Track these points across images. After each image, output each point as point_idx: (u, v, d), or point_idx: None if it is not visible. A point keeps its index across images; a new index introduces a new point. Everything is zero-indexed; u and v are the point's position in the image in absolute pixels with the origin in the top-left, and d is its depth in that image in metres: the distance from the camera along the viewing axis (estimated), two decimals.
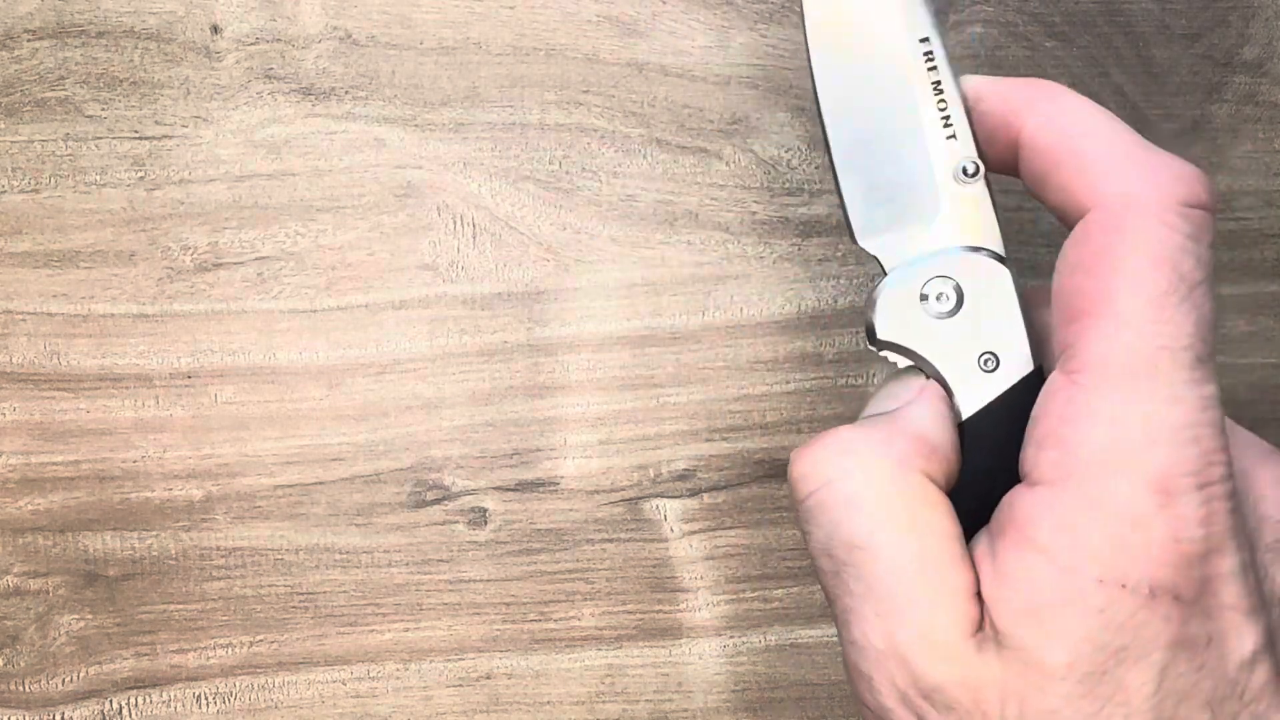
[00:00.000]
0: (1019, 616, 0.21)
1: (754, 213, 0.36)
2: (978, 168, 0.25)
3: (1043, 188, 0.24)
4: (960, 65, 0.36)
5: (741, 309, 0.36)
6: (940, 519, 0.23)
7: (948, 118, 0.25)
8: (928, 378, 0.26)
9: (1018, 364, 0.25)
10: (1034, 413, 0.23)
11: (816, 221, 0.36)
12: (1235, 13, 0.37)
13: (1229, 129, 0.37)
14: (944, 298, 0.25)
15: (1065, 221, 0.23)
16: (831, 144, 0.26)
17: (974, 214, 0.25)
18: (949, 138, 0.25)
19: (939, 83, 0.25)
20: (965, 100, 0.25)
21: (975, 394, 0.25)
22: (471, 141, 0.35)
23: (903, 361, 0.26)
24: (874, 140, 0.26)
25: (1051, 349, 0.24)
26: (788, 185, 0.36)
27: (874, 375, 0.36)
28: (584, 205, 0.35)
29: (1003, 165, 0.25)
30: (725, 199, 0.36)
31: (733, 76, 0.36)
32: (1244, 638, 0.21)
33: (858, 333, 0.36)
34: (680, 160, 0.36)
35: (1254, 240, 0.37)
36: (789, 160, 0.36)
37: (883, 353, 0.26)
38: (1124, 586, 0.21)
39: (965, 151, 0.25)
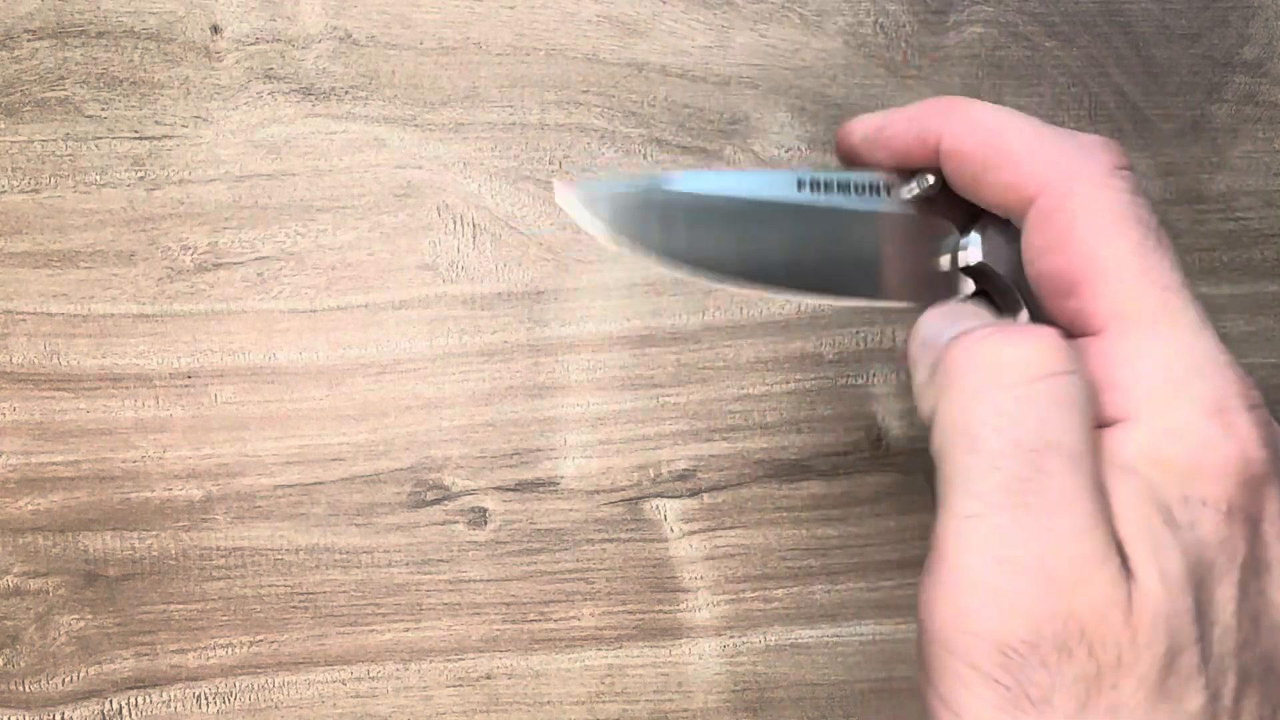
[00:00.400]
0: (1132, 529, 0.22)
1: None
2: (934, 184, 0.26)
3: (977, 187, 0.25)
4: (960, 65, 0.36)
5: (741, 309, 0.36)
6: None
7: (862, 185, 0.27)
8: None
9: None
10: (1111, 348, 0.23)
11: None
12: (1235, 13, 0.37)
13: (1229, 129, 0.37)
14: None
15: (1008, 212, 0.25)
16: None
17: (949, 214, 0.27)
18: (874, 196, 0.27)
19: (826, 181, 0.27)
20: (854, 132, 0.27)
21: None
22: (471, 141, 0.35)
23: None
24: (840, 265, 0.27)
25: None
26: None
27: (873, 375, 0.36)
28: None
29: (925, 163, 0.26)
30: None
31: (733, 76, 0.36)
32: (1278, 570, 0.22)
33: (858, 332, 0.36)
34: (680, 160, 0.36)
35: (1254, 240, 0.37)
36: (789, 160, 0.36)
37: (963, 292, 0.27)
38: (1205, 504, 0.21)
39: (890, 201, 0.27)
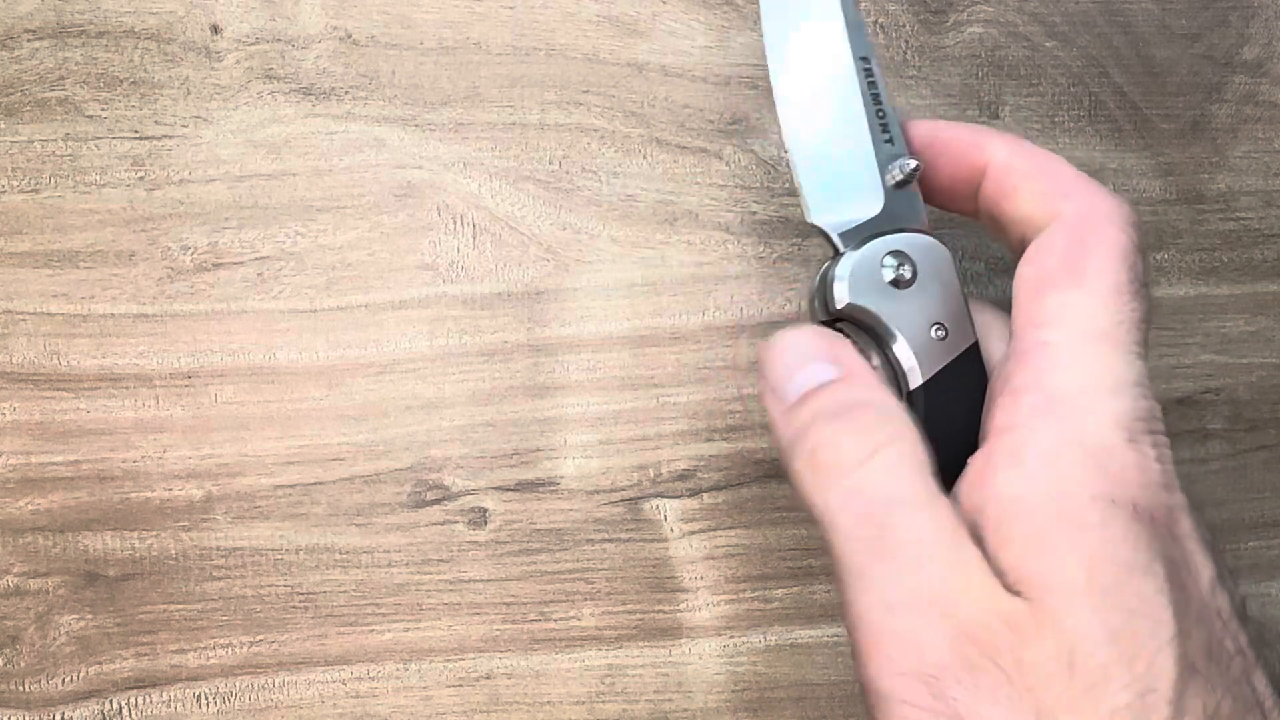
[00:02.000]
0: (1025, 550, 0.23)
1: (754, 213, 0.36)
2: (916, 168, 0.28)
3: (1011, 198, 0.28)
4: (960, 65, 0.36)
5: (741, 309, 0.36)
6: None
7: (885, 125, 0.29)
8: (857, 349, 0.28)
9: (963, 335, 0.28)
10: (1003, 372, 0.26)
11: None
12: (1235, 13, 0.37)
13: (1229, 129, 0.37)
14: (902, 270, 0.28)
15: (1026, 225, 0.27)
16: (787, 138, 0.29)
17: (909, 206, 0.29)
18: (886, 141, 0.29)
19: (877, 95, 0.29)
20: (918, 129, 0.29)
21: (930, 360, 0.28)
22: (471, 141, 0.35)
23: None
24: (824, 138, 0.29)
25: (1007, 325, 0.27)
26: (788, 185, 0.36)
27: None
28: (584, 205, 0.35)
29: (952, 182, 0.29)
30: (725, 199, 0.36)
31: (733, 76, 0.36)
32: (1204, 565, 0.24)
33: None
34: (680, 160, 0.36)
35: (1254, 240, 0.37)
36: (789, 160, 0.36)
37: (836, 324, 0.28)
38: (1114, 502, 0.23)
39: (899, 153, 0.29)
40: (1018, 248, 0.28)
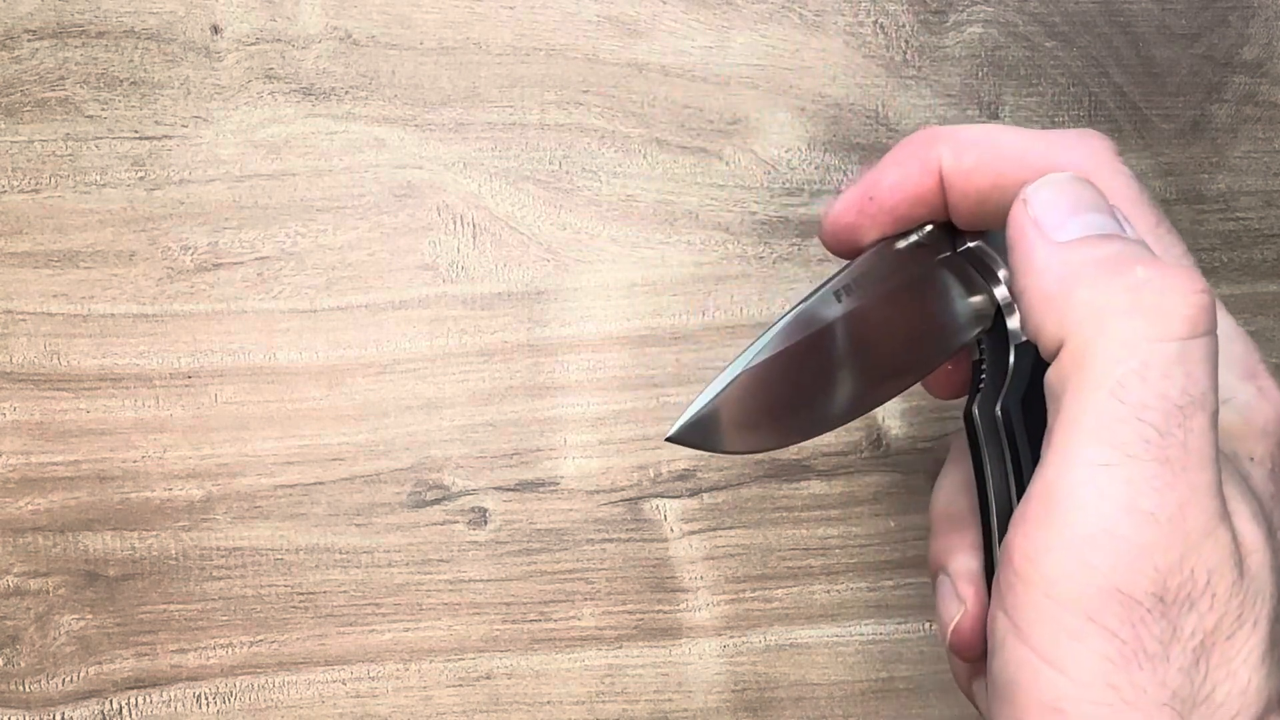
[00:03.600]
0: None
1: (754, 213, 0.36)
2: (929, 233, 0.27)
3: (986, 199, 0.25)
4: (960, 65, 0.36)
5: (741, 309, 0.36)
6: None
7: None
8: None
9: None
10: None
11: (816, 221, 0.36)
12: (1235, 13, 0.37)
13: (1229, 129, 0.37)
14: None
15: (996, 206, 0.25)
16: None
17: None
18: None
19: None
20: (844, 206, 0.27)
21: None
22: (471, 141, 0.35)
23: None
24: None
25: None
26: (788, 185, 0.36)
27: None
28: (584, 205, 0.35)
29: (927, 210, 0.27)
30: (725, 199, 0.36)
31: (733, 76, 0.36)
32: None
33: None
34: (680, 160, 0.36)
35: (1254, 240, 0.37)
36: (789, 160, 0.36)
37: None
38: (1253, 460, 0.23)
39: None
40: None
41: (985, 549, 0.26)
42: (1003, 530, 0.25)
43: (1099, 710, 0.20)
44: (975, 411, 0.26)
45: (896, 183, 0.26)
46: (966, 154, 0.25)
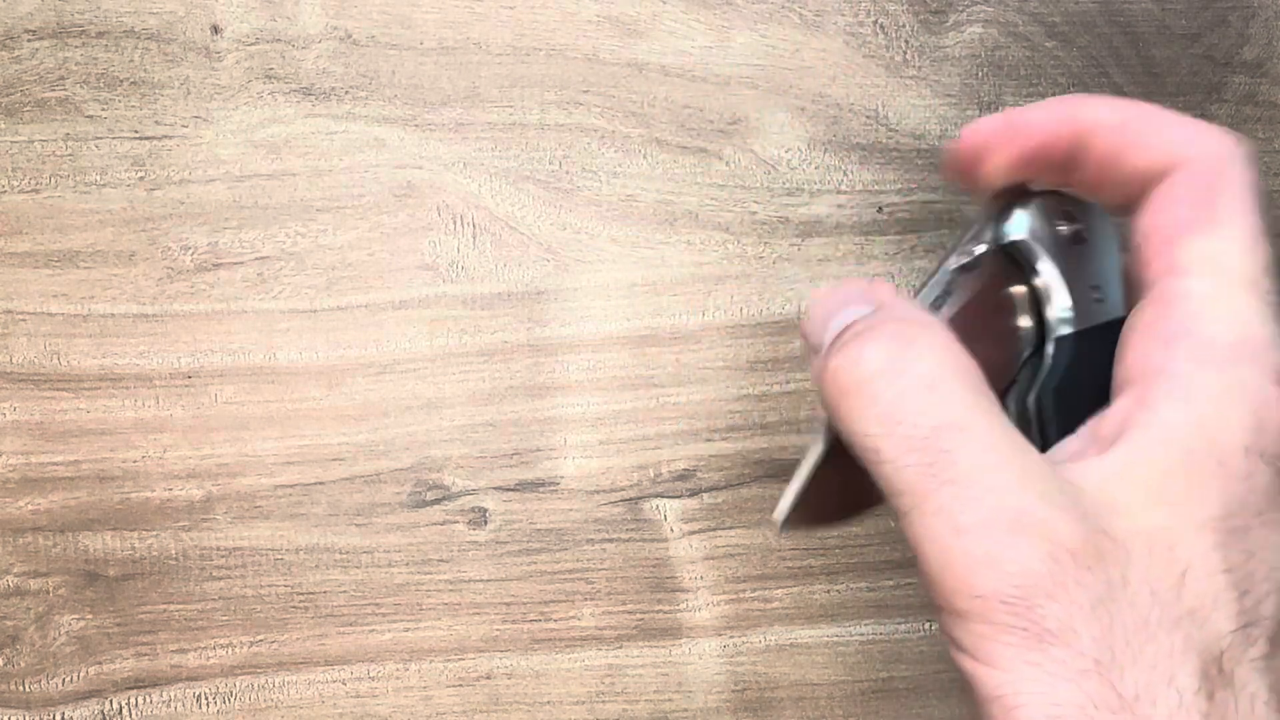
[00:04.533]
0: (1168, 476, 0.23)
1: (754, 213, 0.36)
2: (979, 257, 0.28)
3: (1125, 156, 0.26)
4: (960, 65, 0.36)
5: (741, 309, 0.36)
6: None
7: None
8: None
9: (1116, 304, 0.28)
10: (1141, 320, 0.25)
11: (816, 221, 0.36)
12: (1235, 13, 0.37)
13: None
14: (1074, 226, 0.28)
15: (1145, 179, 0.26)
16: None
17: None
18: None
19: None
20: (985, 126, 0.28)
21: (1085, 317, 0.27)
22: (471, 141, 0.35)
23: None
24: None
25: (1136, 282, 0.26)
26: (788, 185, 0.36)
27: None
28: (584, 205, 0.35)
29: (1046, 157, 0.28)
30: (725, 199, 0.36)
31: (733, 76, 0.36)
32: None
33: None
34: (680, 160, 0.36)
35: None
36: (789, 160, 0.36)
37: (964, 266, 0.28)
38: (1262, 457, 0.23)
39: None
40: (1129, 204, 0.27)
41: None
42: None
43: (1032, 686, 0.22)
44: (1009, 403, 0.27)
45: (1040, 120, 0.27)
46: (1116, 113, 0.27)
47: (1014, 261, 0.28)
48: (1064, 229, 0.28)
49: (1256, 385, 0.24)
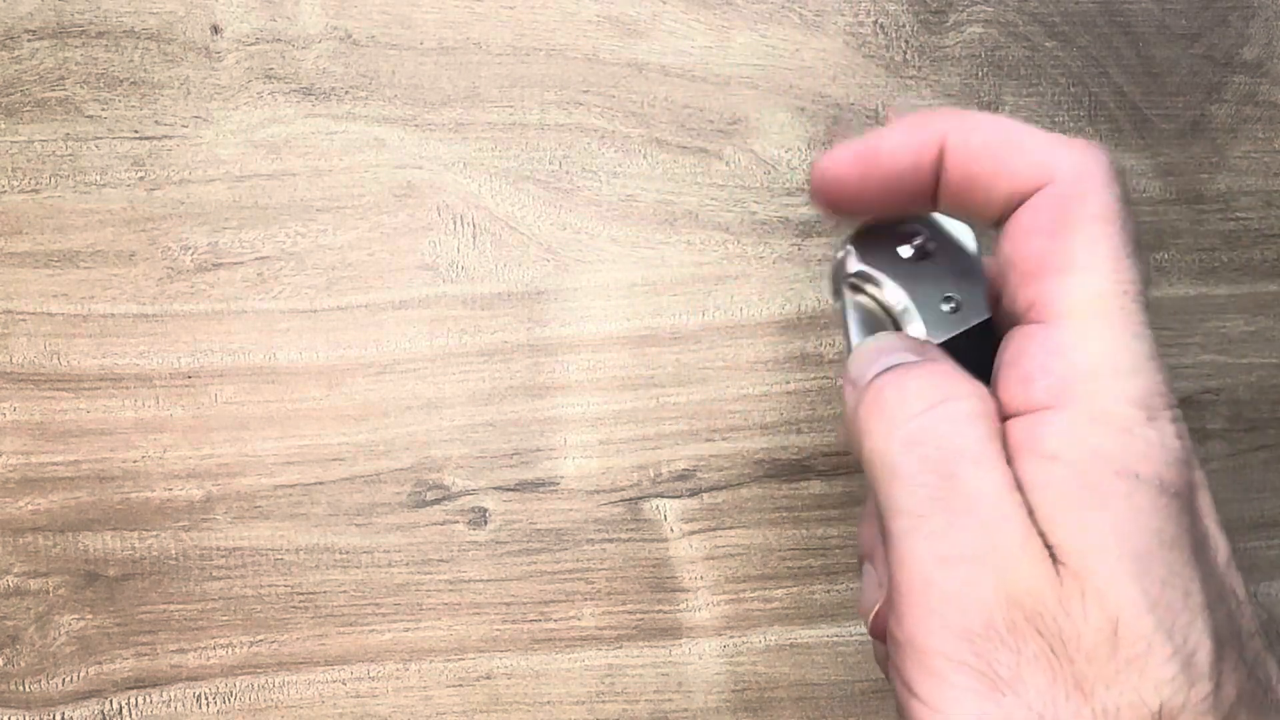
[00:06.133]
0: (1054, 523, 0.23)
1: (754, 213, 0.36)
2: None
3: (974, 184, 0.27)
4: (960, 65, 0.36)
5: (741, 309, 0.36)
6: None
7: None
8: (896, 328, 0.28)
9: (976, 310, 0.28)
10: (1007, 357, 0.26)
11: (816, 221, 0.36)
12: (1235, 13, 0.37)
13: (1229, 129, 0.37)
14: (916, 243, 0.28)
15: (1004, 204, 0.26)
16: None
17: None
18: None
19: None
20: (843, 154, 0.28)
21: (938, 331, 0.28)
22: (471, 141, 0.35)
23: (849, 306, 0.29)
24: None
25: (1005, 308, 0.27)
26: (788, 185, 0.36)
27: None
28: (584, 205, 0.35)
29: (909, 186, 0.28)
30: (725, 199, 0.36)
31: (733, 76, 0.36)
32: (1222, 544, 0.24)
33: None
34: (680, 160, 0.36)
35: (1254, 240, 0.37)
36: (789, 160, 0.36)
37: (847, 294, 0.29)
38: (1138, 477, 0.23)
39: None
40: (993, 222, 0.27)
41: None
42: None
43: None
44: None
45: (900, 144, 0.27)
46: (974, 134, 0.26)
47: (867, 291, 0.29)
48: (903, 249, 0.28)
49: (1119, 411, 0.24)
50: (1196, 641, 0.22)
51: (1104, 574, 0.22)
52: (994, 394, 0.26)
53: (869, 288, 0.29)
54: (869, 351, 0.27)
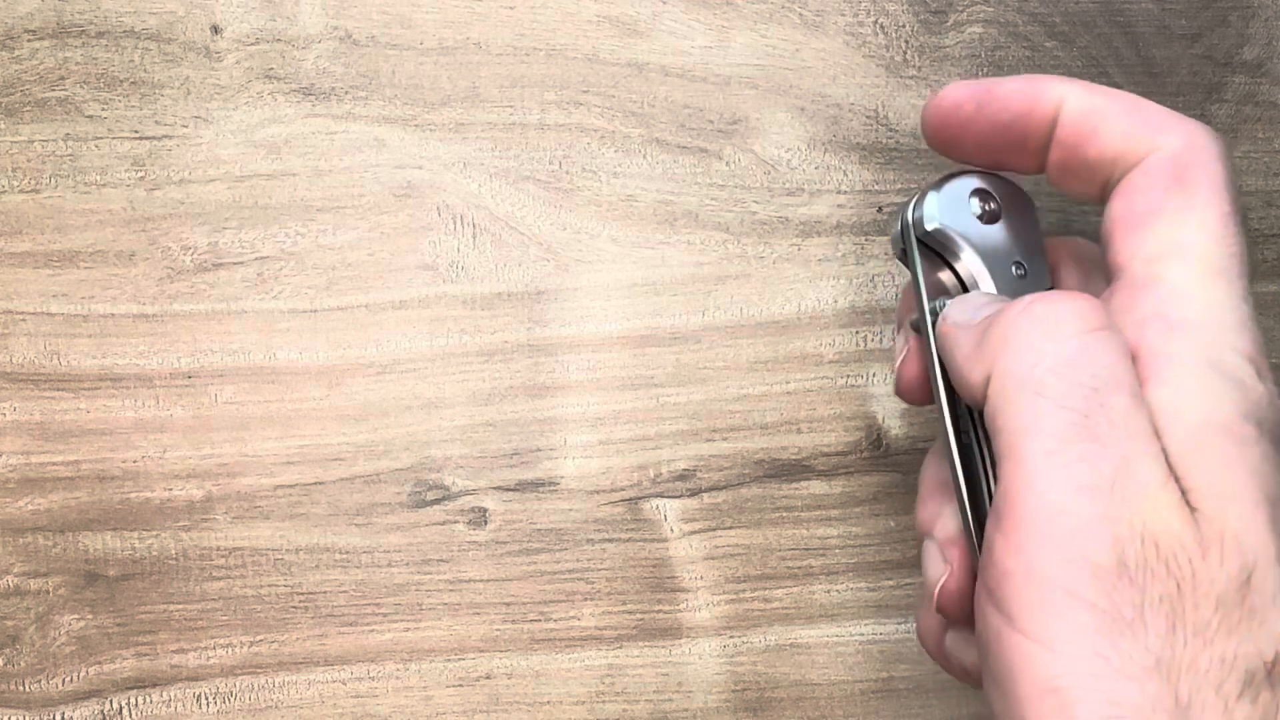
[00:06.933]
0: (1191, 460, 0.23)
1: (754, 213, 0.36)
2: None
3: (1093, 140, 0.27)
4: (960, 65, 0.36)
5: (741, 309, 0.36)
6: None
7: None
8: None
9: (1039, 278, 0.28)
10: (1117, 303, 0.25)
11: (816, 221, 0.36)
12: (1235, 13, 0.37)
13: (1229, 129, 0.37)
14: (988, 205, 0.28)
15: (1114, 165, 0.27)
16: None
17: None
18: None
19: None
20: (961, 90, 0.28)
21: (1011, 294, 0.27)
22: (471, 141, 0.35)
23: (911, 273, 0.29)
24: None
25: (1109, 261, 0.26)
26: (788, 185, 0.36)
27: (873, 375, 0.36)
28: (584, 205, 0.35)
29: (1016, 137, 0.28)
30: (725, 199, 0.36)
31: (733, 76, 0.36)
32: None
33: (858, 332, 0.36)
34: (680, 160, 0.36)
35: (1254, 240, 0.37)
36: (789, 160, 0.36)
37: (919, 252, 0.28)
38: (1261, 426, 0.23)
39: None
40: (1098, 191, 0.27)
41: (962, 515, 0.28)
42: (973, 499, 0.27)
43: (1092, 682, 0.21)
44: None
45: (1018, 90, 0.27)
46: (1095, 95, 0.27)
47: (937, 250, 0.29)
48: (978, 208, 0.28)
49: (1232, 361, 0.24)
50: None
51: (1241, 521, 0.22)
52: None
53: (938, 248, 0.28)
54: (977, 299, 0.27)
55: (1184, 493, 0.22)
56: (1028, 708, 0.22)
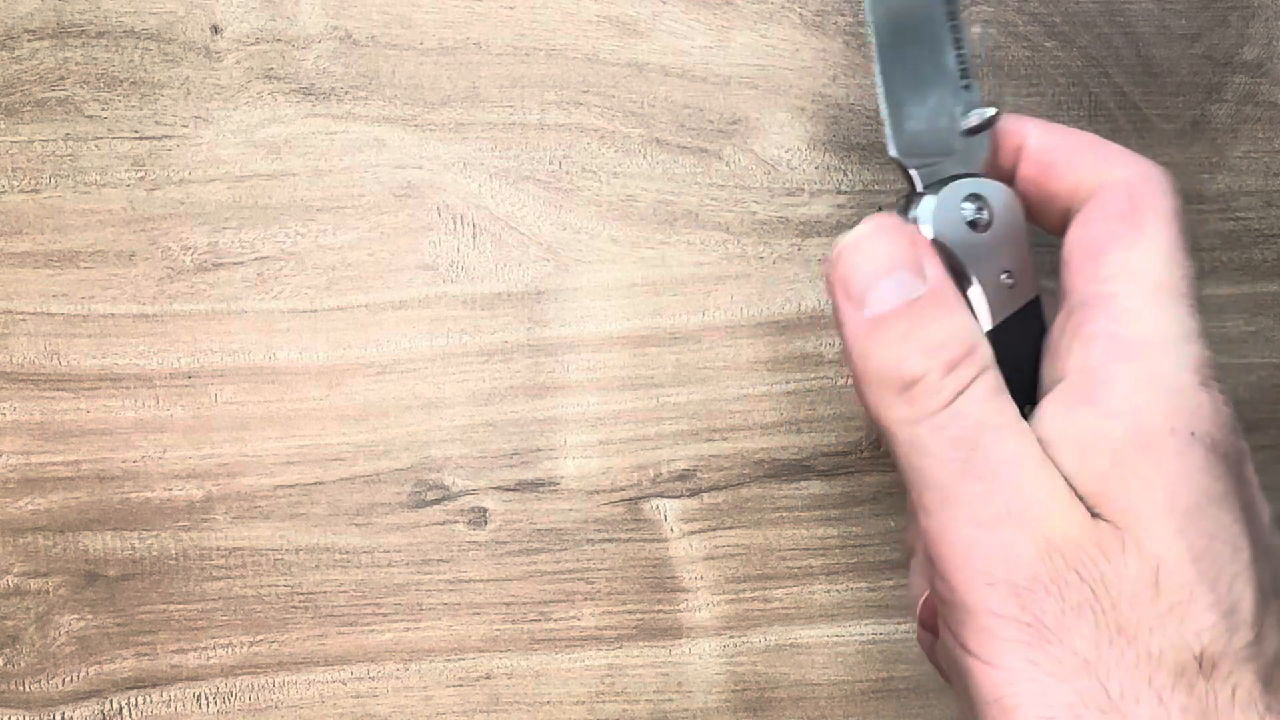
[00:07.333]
0: (1107, 476, 0.24)
1: (754, 213, 0.36)
2: (994, 116, 0.29)
3: (1053, 174, 0.28)
4: None
5: (741, 309, 0.36)
6: None
7: (965, 71, 0.29)
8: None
9: (1028, 286, 0.29)
10: (1067, 323, 0.27)
11: (816, 221, 0.36)
12: (1235, 13, 0.37)
13: (1229, 129, 0.37)
14: (980, 213, 0.28)
15: (1071, 198, 0.28)
16: (877, 73, 0.29)
17: (977, 152, 0.29)
18: (964, 88, 0.29)
19: (960, 40, 0.29)
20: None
21: (1000, 306, 0.28)
22: (471, 141, 0.35)
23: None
24: (911, 77, 0.29)
25: (1064, 284, 0.28)
26: (788, 185, 0.36)
27: None
28: (584, 205, 0.35)
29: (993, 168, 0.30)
30: (725, 199, 0.36)
31: (733, 76, 0.36)
32: (1265, 507, 0.25)
33: None
34: (680, 160, 0.36)
35: (1254, 240, 0.37)
36: (789, 160, 0.36)
37: None
38: (1192, 435, 0.24)
39: (975, 100, 0.29)
40: (1058, 222, 0.29)
41: None
42: None
43: (1028, 687, 0.23)
44: None
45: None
46: (1055, 134, 0.29)
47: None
48: (970, 214, 0.28)
49: (1173, 374, 0.25)
50: (1240, 593, 0.23)
51: (1145, 525, 0.23)
52: (1050, 355, 0.27)
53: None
54: (869, 261, 0.27)
55: (1094, 507, 0.24)
56: (981, 715, 0.24)
